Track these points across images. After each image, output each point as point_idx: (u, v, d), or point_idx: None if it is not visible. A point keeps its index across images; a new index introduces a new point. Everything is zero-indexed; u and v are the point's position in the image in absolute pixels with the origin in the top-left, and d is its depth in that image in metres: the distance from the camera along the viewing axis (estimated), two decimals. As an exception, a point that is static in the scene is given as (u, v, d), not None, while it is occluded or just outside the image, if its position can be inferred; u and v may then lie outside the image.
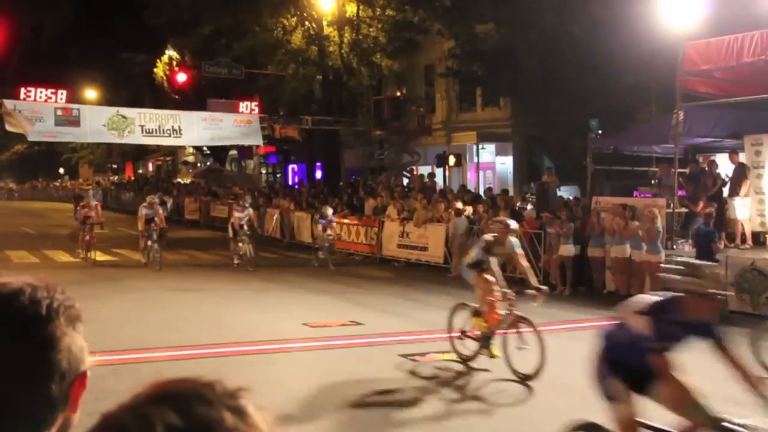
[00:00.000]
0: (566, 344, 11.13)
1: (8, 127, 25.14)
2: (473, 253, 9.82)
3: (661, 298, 5.16)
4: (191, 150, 53.56)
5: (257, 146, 40.26)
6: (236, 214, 20.05)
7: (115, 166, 68.97)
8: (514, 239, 9.73)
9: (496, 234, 9.62)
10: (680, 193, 16.39)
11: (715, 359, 5.23)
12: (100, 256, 20.76)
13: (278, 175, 48.21)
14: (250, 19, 31.08)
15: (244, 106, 28.33)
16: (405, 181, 29.46)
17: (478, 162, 30.89)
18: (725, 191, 16.45)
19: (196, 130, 27.54)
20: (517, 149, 29.77)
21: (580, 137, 19.15)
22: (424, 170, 30.62)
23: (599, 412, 7.65)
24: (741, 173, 15.89)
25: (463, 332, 9.70)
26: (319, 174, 37.61)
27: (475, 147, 30.80)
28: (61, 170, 77.31)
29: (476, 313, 9.58)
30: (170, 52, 42.76)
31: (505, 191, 22.98)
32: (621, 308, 5.48)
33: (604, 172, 19.22)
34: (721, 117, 16.38)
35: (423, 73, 33.44)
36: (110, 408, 0.97)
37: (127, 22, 45.44)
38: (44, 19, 43.62)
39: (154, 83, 45.27)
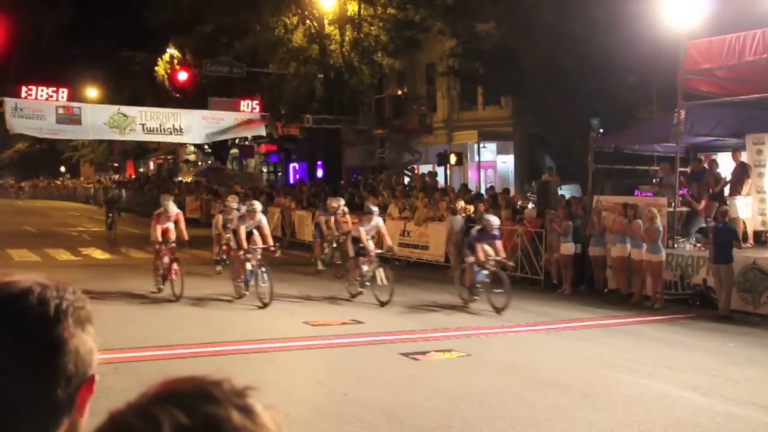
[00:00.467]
0: (565, 342, 11.14)
1: (13, 130, 25.16)
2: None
3: None
4: (192, 149, 53.55)
5: (259, 144, 40.29)
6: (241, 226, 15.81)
7: (116, 164, 68.97)
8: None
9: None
10: (682, 192, 16.38)
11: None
12: (100, 255, 20.71)
13: (279, 174, 48.20)
14: (251, 18, 31.08)
15: (245, 104, 28.32)
16: (406, 179, 29.45)
17: (479, 161, 30.88)
18: (726, 190, 16.43)
19: (197, 128, 27.55)
20: (519, 148, 29.76)
21: (582, 136, 19.13)
22: (425, 169, 30.61)
23: (600, 411, 7.66)
24: (742, 172, 15.87)
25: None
26: (320, 173, 37.60)
27: (476, 146, 30.79)
28: (63, 168, 77.35)
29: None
30: (171, 51, 42.77)
31: (506, 190, 22.97)
32: None
33: (605, 171, 19.21)
34: (723, 116, 16.35)
35: (424, 72, 33.43)
36: (117, 407, 0.97)
37: (128, 20, 45.42)
38: (45, 17, 43.66)
39: (155, 82, 45.26)
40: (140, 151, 61.88)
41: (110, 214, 30.16)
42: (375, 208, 15.74)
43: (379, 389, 8.31)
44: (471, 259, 14.04)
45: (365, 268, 14.41)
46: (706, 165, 17.40)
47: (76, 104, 26.36)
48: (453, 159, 28.66)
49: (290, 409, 7.28)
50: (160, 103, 38.01)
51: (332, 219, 19.22)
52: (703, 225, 15.95)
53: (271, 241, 14.69)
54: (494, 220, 13.95)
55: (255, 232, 14.83)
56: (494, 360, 9.80)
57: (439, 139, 31.71)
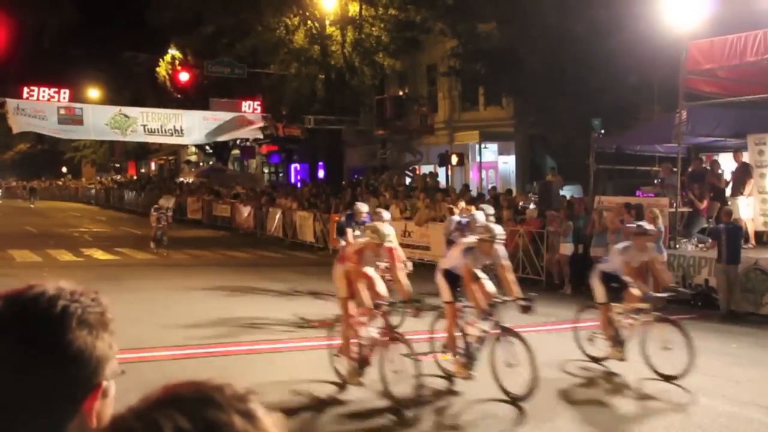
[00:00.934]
0: (567, 343, 11.10)
1: (16, 129, 25.21)
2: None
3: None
4: (194, 149, 53.59)
5: (260, 145, 40.31)
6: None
7: (117, 165, 69.03)
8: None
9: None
10: (683, 192, 16.37)
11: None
12: (101, 256, 20.71)
13: (281, 175, 48.22)
14: (252, 19, 31.09)
15: (246, 105, 28.35)
16: (407, 180, 29.45)
17: (480, 161, 30.87)
18: (728, 190, 16.42)
19: (198, 129, 27.57)
20: (520, 148, 29.75)
21: (583, 136, 19.13)
22: (426, 169, 30.61)
23: (602, 411, 7.65)
24: (744, 173, 15.86)
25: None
26: (321, 173, 37.61)
27: (477, 146, 30.77)
28: (64, 169, 77.41)
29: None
30: (173, 52, 42.79)
31: (508, 191, 22.97)
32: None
33: (606, 171, 19.20)
34: (724, 116, 16.34)
35: (425, 73, 33.42)
36: (118, 410, 0.97)
37: (129, 21, 45.53)
38: (47, 18, 43.70)
39: (156, 82, 45.28)
40: (142, 151, 61.92)
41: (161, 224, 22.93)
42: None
43: (381, 389, 8.29)
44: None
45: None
46: (706, 165, 17.39)
47: (77, 105, 26.40)
48: (454, 159, 28.65)
49: (292, 409, 7.27)
50: (162, 103, 38.05)
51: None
52: (705, 225, 15.94)
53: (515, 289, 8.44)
54: (497, 230, 8.44)
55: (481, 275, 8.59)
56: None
57: (440, 139, 31.71)
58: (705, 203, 15.84)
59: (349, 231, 12.83)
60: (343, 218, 13.54)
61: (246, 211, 30.64)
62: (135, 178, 61.51)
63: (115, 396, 1.27)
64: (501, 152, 31.32)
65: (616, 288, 9.42)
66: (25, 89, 24.63)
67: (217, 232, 31.54)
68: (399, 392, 7.66)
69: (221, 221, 33.01)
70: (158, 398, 0.95)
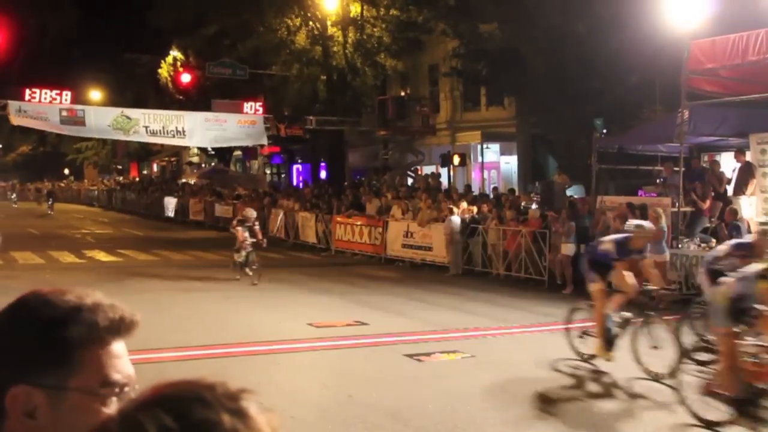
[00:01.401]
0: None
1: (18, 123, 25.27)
2: None
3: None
4: (196, 150, 53.63)
5: (262, 146, 40.33)
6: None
7: (120, 167, 69.10)
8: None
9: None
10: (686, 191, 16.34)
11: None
12: (104, 258, 20.71)
13: (283, 176, 48.23)
14: (254, 20, 31.10)
15: (248, 106, 28.36)
16: (409, 180, 29.45)
17: (482, 161, 30.86)
18: (729, 190, 16.39)
19: (200, 130, 27.59)
20: (522, 148, 29.74)
21: (585, 136, 19.12)
22: (428, 170, 30.60)
23: (606, 410, 7.64)
24: (747, 172, 15.84)
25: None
26: (323, 174, 37.62)
27: (479, 146, 30.77)
28: (66, 171, 77.49)
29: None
30: (174, 53, 42.84)
31: (511, 190, 22.97)
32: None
33: (608, 171, 19.18)
34: (727, 116, 16.32)
35: (427, 73, 33.42)
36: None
37: (131, 22, 45.57)
38: (49, 20, 43.75)
39: (158, 84, 45.35)
40: (144, 153, 62.00)
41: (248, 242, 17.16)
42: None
43: (384, 390, 8.30)
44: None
45: None
46: (706, 164, 17.38)
47: (79, 107, 26.44)
48: (456, 160, 28.66)
49: (294, 411, 7.28)
50: (164, 105, 38.11)
51: None
52: (707, 225, 15.92)
53: None
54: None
55: None
56: (499, 361, 9.78)
57: (442, 140, 31.71)
58: (708, 203, 15.81)
59: None
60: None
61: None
62: (137, 179, 61.54)
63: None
64: (503, 152, 31.31)
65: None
66: (27, 91, 24.66)
67: (219, 233, 31.54)
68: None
69: (223, 222, 33.00)
70: (147, 398, 0.94)
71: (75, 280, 16.28)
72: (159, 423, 0.89)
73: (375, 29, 30.37)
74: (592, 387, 8.68)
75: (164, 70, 44.01)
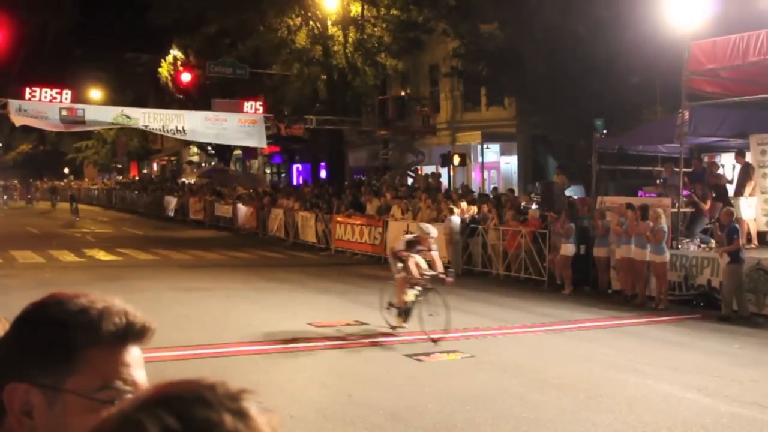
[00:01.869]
0: (570, 343, 11.12)
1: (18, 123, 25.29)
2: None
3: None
4: (196, 150, 53.63)
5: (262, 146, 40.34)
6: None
7: (119, 166, 69.08)
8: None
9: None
10: (686, 192, 16.34)
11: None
12: (104, 257, 20.70)
13: (283, 175, 48.24)
14: (254, 19, 31.09)
15: (248, 105, 28.34)
16: (409, 180, 29.45)
17: (482, 162, 30.86)
18: (730, 190, 16.39)
19: (200, 130, 27.57)
20: (522, 149, 29.74)
21: (585, 137, 19.12)
22: (428, 170, 30.60)
23: (604, 412, 7.64)
24: (746, 173, 15.85)
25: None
26: (323, 174, 37.61)
27: (479, 146, 30.77)
28: (66, 170, 77.46)
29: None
30: (175, 52, 42.83)
31: (510, 191, 22.96)
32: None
33: (608, 171, 19.17)
34: (727, 116, 16.32)
35: (427, 73, 33.42)
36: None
37: (131, 22, 45.56)
38: (49, 19, 43.74)
39: (158, 83, 45.35)
40: (144, 152, 62.00)
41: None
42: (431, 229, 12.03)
43: (384, 390, 8.30)
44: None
45: None
46: (705, 165, 17.39)
47: (79, 106, 26.42)
48: (456, 160, 28.66)
49: (294, 410, 7.28)
50: (164, 104, 38.12)
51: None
52: (707, 226, 15.92)
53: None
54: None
55: None
56: (498, 361, 9.78)
57: (442, 140, 31.71)
58: (708, 203, 15.82)
59: None
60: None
61: (248, 211, 30.66)
62: (137, 178, 61.52)
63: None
64: (503, 153, 31.31)
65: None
66: (27, 90, 24.64)
67: (219, 232, 31.57)
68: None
69: (223, 222, 33.04)
70: (147, 397, 0.94)
71: (75, 279, 16.28)
72: (161, 423, 0.88)
73: (375, 29, 30.36)
74: (601, 388, 8.68)
75: (164, 70, 44.00)
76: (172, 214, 38.97)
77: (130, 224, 35.72)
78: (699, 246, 15.20)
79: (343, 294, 15.40)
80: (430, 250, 11.79)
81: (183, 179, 50.55)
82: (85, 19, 48.42)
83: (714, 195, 16.07)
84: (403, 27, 30.03)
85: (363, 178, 31.75)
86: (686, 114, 15.11)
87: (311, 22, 31.20)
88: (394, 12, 29.69)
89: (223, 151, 46.38)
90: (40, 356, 1.23)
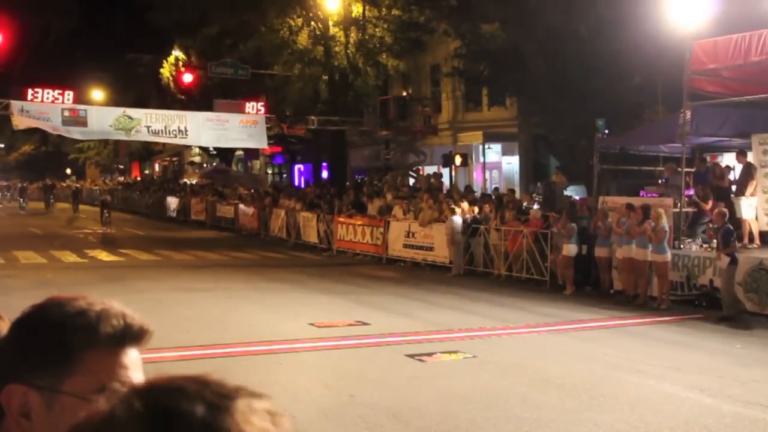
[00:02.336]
0: (571, 344, 11.11)
1: (20, 126, 25.32)
2: None
3: None
4: (197, 150, 53.64)
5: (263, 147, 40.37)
6: None
7: (121, 166, 69.17)
8: None
9: None
10: (687, 192, 16.33)
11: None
12: (106, 257, 20.70)
13: (284, 175, 48.25)
14: (256, 20, 31.11)
15: (250, 106, 28.36)
16: (411, 181, 29.45)
17: (484, 162, 30.86)
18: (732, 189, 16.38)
19: (202, 130, 27.60)
20: (524, 149, 29.73)
21: (587, 137, 19.11)
22: (430, 170, 30.60)
23: (606, 412, 7.64)
24: (747, 173, 15.84)
25: None
26: (325, 174, 37.62)
27: (481, 147, 30.77)
28: (68, 171, 77.55)
29: None
30: (176, 53, 42.88)
31: (512, 191, 22.95)
32: None
33: (610, 171, 19.16)
34: (729, 116, 16.31)
35: (429, 73, 33.42)
36: None
37: (133, 22, 45.57)
38: (51, 20, 43.79)
39: (160, 84, 45.39)
40: (146, 153, 62.06)
41: None
42: None
43: (385, 391, 8.30)
44: None
45: None
46: (709, 165, 17.37)
47: (81, 107, 26.44)
48: (458, 160, 28.66)
49: (296, 410, 7.28)
50: (165, 105, 38.16)
51: None
52: (718, 225, 15.90)
53: None
54: None
55: None
56: (500, 361, 9.78)
57: (443, 140, 31.71)
58: (710, 204, 15.80)
59: None
60: None
61: (249, 212, 30.67)
62: (139, 179, 61.56)
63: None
64: (505, 153, 31.31)
65: None
66: (29, 91, 24.67)
67: (220, 233, 31.58)
68: None
69: (225, 222, 33.05)
70: (133, 389, 0.94)
71: (76, 280, 16.30)
72: (130, 409, 0.88)
73: (377, 29, 30.37)
74: (601, 390, 8.67)
75: (166, 70, 44.03)
76: (174, 214, 38.99)
77: (131, 225, 35.74)
78: (701, 246, 15.19)
79: (345, 294, 15.40)
80: None
81: (185, 180, 50.58)
82: (86, 20, 48.49)
83: (715, 195, 16.05)
84: (404, 27, 30.04)
85: (364, 179, 31.75)
86: (688, 114, 15.10)
87: (313, 23, 31.21)
88: (395, 12, 29.70)
89: (225, 152, 46.41)
90: (39, 358, 1.23)
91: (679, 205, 15.54)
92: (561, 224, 16.54)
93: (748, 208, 15.61)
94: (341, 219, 23.70)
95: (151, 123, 26.56)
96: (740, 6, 15.55)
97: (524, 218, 18.54)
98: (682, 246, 15.12)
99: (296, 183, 43.67)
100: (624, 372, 9.26)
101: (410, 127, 31.51)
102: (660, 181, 18.54)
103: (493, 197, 22.09)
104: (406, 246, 21.01)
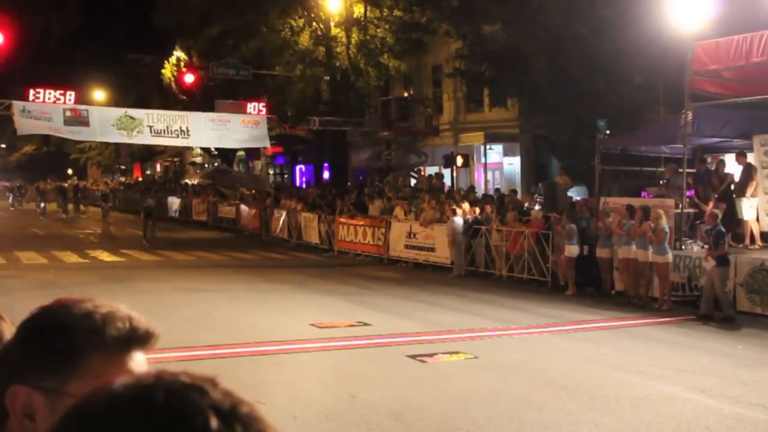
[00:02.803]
0: (573, 344, 11.11)
1: (22, 131, 25.35)
2: None
3: None
4: (199, 151, 53.68)
5: (265, 146, 40.38)
6: None
7: (123, 167, 69.19)
8: None
9: None
10: (689, 193, 16.32)
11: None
12: (107, 258, 20.72)
13: (286, 176, 48.27)
14: (257, 20, 31.15)
15: (251, 106, 28.38)
16: (412, 181, 29.45)
17: (485, 162, 30.87)
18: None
19: (203, 131, 27.63)
20: (525, 149, 29.74)
21: (588, 137, 19.09)
22: (431, 171, 30.61)
23: (608, 413, 7.64)
24: (748, 174, 15.84)
25: None
26: (326, 175, 37.64)
27: (482, 147, 30.78)
28: (70, 171, 77.57)
29: None
30: (178, 53, 42.90)
31: (513, 191, 22.95)
32: None
33: (612, 172, 19.15)
34: (730, 117, 16.30)
35: (430, 74, 33.44)
36: None
37: (135, 23, 45.64)
38: (53, 20, 43.80)
39: (162, 84, 45.41)
40: (147, 153, 62.07)
41: None
42: None
43: (387, 391, 8.30)
44: None
45: None
46: (710, 166, 17.36)
47: (83, 107, 26.47)
48: (459, 161, 28.65)
49: (297, 411, 7.28)
50: (167, 105, 38.18)
51: None
52: (710, 226, 15.90)
53: None
54: None
55: None
56: (501, 362, 9.78)
57: (445, 140, 31.71)
58: (710, 204, 15.79)
59: None
60: None
61: (251, 212, 30.68)
62: (140, 179, 61.59)
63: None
64: (506, 153, 31.33)
65: None
66: (31, 91, 24.70)
67: (222, 233, 31.58)
68: None
69: (226, 223, 33.05)
70: (154, 376, 0.93)
71: (78, 280, 16.32)
72: (109, 395, 0.89)
73: (378, 30, 30.39)
74: (601, 390, 8.67)
75: (168, 71, 44.04)
76: (175, 215, 39.01)
77: (133, 225, 35.73)
78: (702, 247, 15.18)
79: (346, 295, 15.41)
80: None
81: (186, 180, 50.59)
82: (88, 20, 48.44)
83: (717, 196, 16.04)
84: (405, 28, 30.05)
85: (366, 179, 31.76)
86: (689, 115, 15.09)
87: (314, 23, 31.24)
88: (396, 13, 29.72)
89: (226, 152, 46.44)
90: (43, 360, 1.23)
91: (680, 206, 15.52)
92: (561, 226, 16.54)
93: (749, 209, 15.60)
94: (342, 220, 23.70)
95: (153, 123, 26.59)
96: (742, 7, 15.54)
97: (525, 219, 18.54)
98: (683, 247, 15.12)
99: (297, 183, 43.69)
100: (625, 373, 9.26)
101: (411, 127, 31.52)
102: (661, 182, 18.53)
103: (495, 198, 22.09)
104: (407, 247, 21.01)
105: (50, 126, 25.34)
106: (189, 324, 11.83)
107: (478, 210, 19.78)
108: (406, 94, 33.39)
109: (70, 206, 45.76)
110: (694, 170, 17.05)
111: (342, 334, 11.44)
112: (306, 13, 31.05)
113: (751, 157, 16.07)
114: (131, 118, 26.47)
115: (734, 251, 14.58)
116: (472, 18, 23.81)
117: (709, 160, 18.04)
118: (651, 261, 14.50)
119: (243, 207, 31.65)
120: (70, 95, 25.43)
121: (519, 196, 22.13)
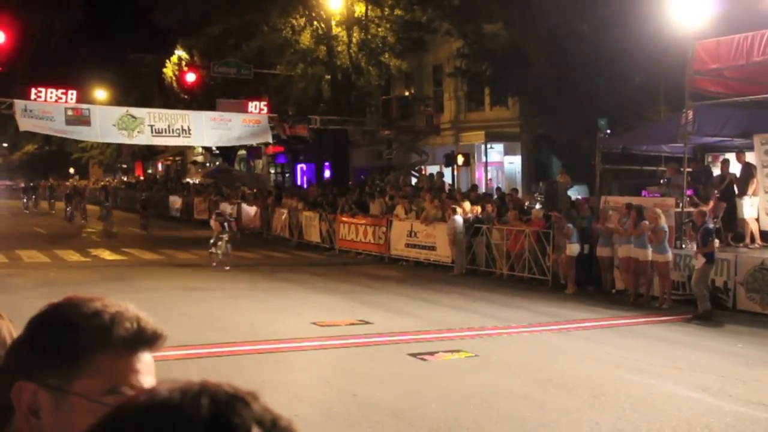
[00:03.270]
0: (573, 343, 11.13)
1: (23, 128, 25.37)
2: None
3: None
4: (200, 150, 53.69)
5: (266, 145, 40.40)
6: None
7: (125, 166, 69.21)
8: None
9: None
10: (689, 192, 16.33)
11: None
12: (109, 256, 20.73)
13: (287, 175, 48.28)
14: (258, 19, 31.14)
15: (252, 106, 28.38)
16: (413, 180, 29.46)
17: (486, 161, 30.87)
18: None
19: (205, 130, 27.63)
20: (526, 149, 29.74)
21: (589, 136, 19.10)
22: (432, 170, 30.62)
23: (608, 411, 7.66)
24: (748, 173, 15.84)
25: None
26: (327, 174, 37.65)
27: (483, 146, 30.78)
28: (72, 170, 77.60)
29: None
30: (179, 53, 42.92)
31: (514, 190, 22.96)
32: None
33: (612, 171, 19.16)
34: (731, 116, 16.30)
35: (431, 73, 33.45)
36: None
37: (136, 22, 45.65)
38: (54, 19, 43.81)
39: (163, 83, 45.44)
40: (148, 152, 62.06)
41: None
42: None
43: (388, 390, 8.33)
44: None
45: None
46: (711, 165, 17.37)
47: (85, 106, 26.47)
48: (460, 160, 28.66)
49: (299, 409, 7.30)
50: (168, 104, 38.21)
51: None
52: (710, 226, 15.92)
53: None
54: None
55: None
56: (502, 360, 9.80)
57: (446, 140, 31.72)
58: (711, 203, 15.80)
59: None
60: None
61: (252, 211, 30.68)
62: (142, 178, 61.62)
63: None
64: (507, 152, 31.34)
65: None
66: (33, 90, 24.69)
67: (223, 232, 31.54)
68: None
69: (228, 222, 33.00)
70: (203, 385, 0.94)
71: (79, 279, 16.34)
72: (196, 408, 0.89)
73: (379, 29, 30.39)
74: (601, 390, 8.69)
75: (169, 70, 44.08)
76: (177, 213, 39.04)
77: (134, 224, 35.74)
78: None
79: (348, 293, 15.43)
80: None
81: (187, 179, 50.60)
82: (89, 19, 48.45)
83: (718, 195, 16.05)
84: (406, 27, 30.05)
85: (367, 178, 31.77)
86: (690, 114, 15.10)
87: (315, 23, 31.23)
88: (398, 12, 29.72)
89: (228, 152, 46.45)
90: (50, 357, 1.24)
91: (680, 204, 15.53)
92: (558, 226, 16.55)
93: (749, 207, 15.61)
94: (343, 218, 23.72)
95: (155, 122, 26.59)
96: (742, 6, 15.55)
97: (526, 218, 18.56)
98: (683, 246, 15.13)
99: (299, 182, 43.72)
100: (626, 371, 9.28)
101: (412, 126, 31.51)
102: (662, 181, 18.54)
103: (495, 197, 22.10)
104: (408, 245, 21.02)
105: (52, 126, 25.34)
106: (190, 322, 11.85)
107: (479, 209, 19.79)
108: (407, 93, 33.40)
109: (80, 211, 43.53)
110: (690, 169, 17.07)
111: (343, 333, 11.46)
112: (307, 13, 31.06)
113: (751, 156, 16.07)
114: (133, 117, 26.47)
115: (734, 251, 14.62)
116: (473, 17, 23.82)
117: (709, 159, 18.05)
118: (651, 260, 14.52)
119: (244, 206, 31.64)
120: (72, 94, 25.43)
121: (520, 195, 22.15)
